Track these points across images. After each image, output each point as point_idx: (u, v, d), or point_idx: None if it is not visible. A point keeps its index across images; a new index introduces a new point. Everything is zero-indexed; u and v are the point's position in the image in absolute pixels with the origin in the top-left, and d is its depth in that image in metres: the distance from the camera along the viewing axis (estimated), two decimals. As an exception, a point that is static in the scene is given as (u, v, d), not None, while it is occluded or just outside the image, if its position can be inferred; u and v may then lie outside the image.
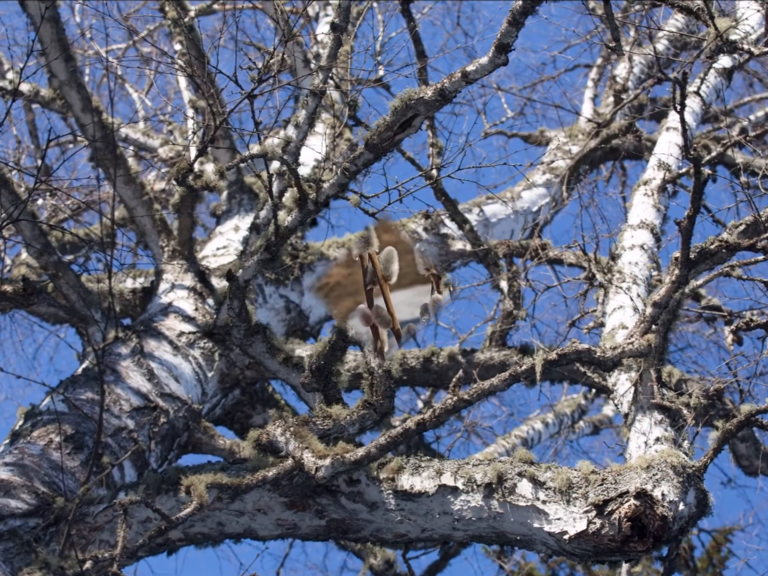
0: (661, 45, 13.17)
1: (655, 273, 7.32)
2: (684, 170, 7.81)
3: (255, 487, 5.65)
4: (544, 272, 10.07)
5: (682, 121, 5.62)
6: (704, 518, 5.22)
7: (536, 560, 12.58)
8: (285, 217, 6.18)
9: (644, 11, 11.50)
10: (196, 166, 8.98)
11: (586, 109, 13.19)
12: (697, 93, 8.47)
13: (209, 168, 10.43)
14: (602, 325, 7.05)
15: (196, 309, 8.71)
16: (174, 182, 7.07)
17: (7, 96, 10.26)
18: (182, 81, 10.37)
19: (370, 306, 5.81)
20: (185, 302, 8.74)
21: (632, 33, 13.13)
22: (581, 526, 5.00)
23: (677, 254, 5.80)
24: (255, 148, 7.47)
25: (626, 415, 5.88)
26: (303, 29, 12.56)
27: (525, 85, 15.44)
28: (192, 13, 10.73)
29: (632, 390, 5.87)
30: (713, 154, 8.47)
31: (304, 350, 8.36)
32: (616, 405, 6.16)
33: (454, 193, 15.10)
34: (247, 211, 10.50)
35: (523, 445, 13.07)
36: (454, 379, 5.54)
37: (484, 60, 5.49)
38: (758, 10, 8.95)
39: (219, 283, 9.05)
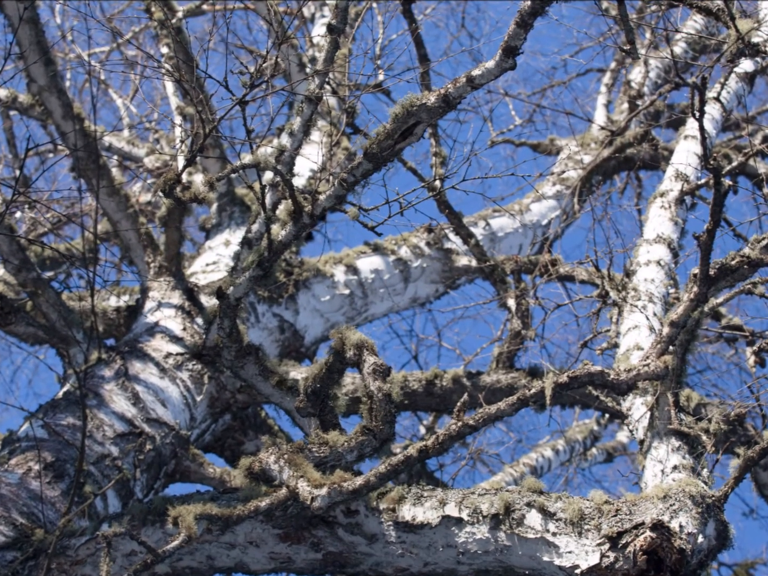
0: (679, 48, 13.22)
1: (672, 290, 7.34)
2: (703, 181, 7.83)
3: (247, 518, 5.66)
4: (554, 290, 10.10)
5: (701, 128, 5.65)
6: (725, 551, 5.23)
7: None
8: (279, 231, 6.20)
9: (661, 12, 11.54)
10: (184, 177, 9.00)
11: (599, 116, 13.24)
12: (717, 99, 8.49)
13: (198, 179, 10.47)
14: (616, 345, 7.07)
15: (184, 329, 8.72)
16: (161, 194, 7.09)
17: (-17, 102, 10.29)
18: (169, 86, 10.42)
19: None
20: (172, 321, 8.76)
21: (648, 35, 13.20)
22: (594, 559, 5.00)
23: (696, 270, 5.82)
24: (247, 158, 7.50)
25: (642, 442, 5.89)
26: (298, 31, 12.61)
27: (534, 91, 15.53)
28: (180, 14, 10.78)
29: (648, 415, 5.88)
30: (734, 164, 8.52)
31: (299, 372, 8.37)
32: (630, 431, 6.17)
33: (459, 205, 15.15)
34: (238, 225, 10.52)
35: (532, 473, 13.10)
36: (458, 404, 5.56)
37: (490, 64, 5.53)
38: (782, 11, 8.99)
39: (208, 302, 9.06)
